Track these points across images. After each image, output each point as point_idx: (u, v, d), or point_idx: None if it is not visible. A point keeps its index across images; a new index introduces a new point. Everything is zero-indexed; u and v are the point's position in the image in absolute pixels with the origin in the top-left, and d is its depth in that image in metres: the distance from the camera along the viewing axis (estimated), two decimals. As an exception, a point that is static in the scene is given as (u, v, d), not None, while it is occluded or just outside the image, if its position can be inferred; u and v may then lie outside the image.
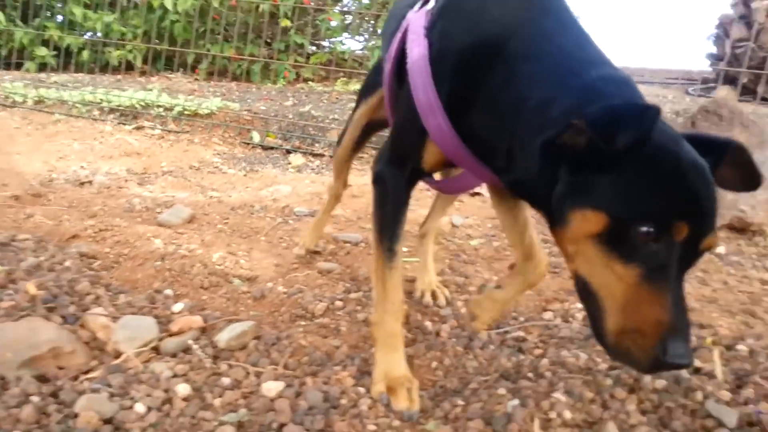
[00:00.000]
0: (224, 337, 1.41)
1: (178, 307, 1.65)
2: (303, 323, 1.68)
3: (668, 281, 0.90)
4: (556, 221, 1.00)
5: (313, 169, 4.28)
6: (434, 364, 1.44)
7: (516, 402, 1.23)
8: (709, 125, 3.13)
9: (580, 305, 1.79)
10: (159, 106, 4.77)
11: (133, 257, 2.03)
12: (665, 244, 0.89)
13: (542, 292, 2.05)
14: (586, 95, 1.00)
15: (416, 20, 1.29)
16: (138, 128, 4.65)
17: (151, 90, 5.37)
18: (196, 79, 6.69)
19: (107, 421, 1.15)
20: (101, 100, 4.92)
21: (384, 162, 1.34)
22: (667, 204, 0.90)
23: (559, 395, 1.25)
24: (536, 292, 2.06)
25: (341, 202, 2.40)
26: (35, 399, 1.17)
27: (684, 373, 1.40)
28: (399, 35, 1.36)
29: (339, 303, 1.79)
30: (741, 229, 2.95)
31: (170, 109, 4.76)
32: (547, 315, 1.81)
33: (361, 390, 1.29)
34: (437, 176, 1.58)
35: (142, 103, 4.86)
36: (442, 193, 1.91)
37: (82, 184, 3.31)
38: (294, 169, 4.27)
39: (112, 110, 4.95)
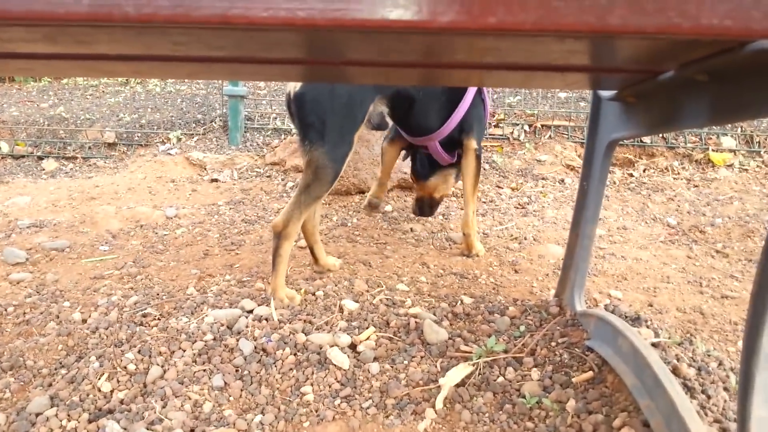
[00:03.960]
0: None
1: None
2: (-27, 330, 2.10)
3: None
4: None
5: (66, 173, 4.50)
6: (60, 346, 1.94)
7: (96, 364, 1.78)
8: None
9: (217, 281, 2.38)
10: None
11: None
12: None
13: (205, 269, 2.62)
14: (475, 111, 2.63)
15: None
16: None
17: None
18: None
19: None
20: None
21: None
22: None
23: (131, 354, 1.81)
24: (201, 269, 2.63)
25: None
26: None
27: (245, 321, 2.03)
28: None
29: (11, 309, 2.22)
30: (407, 187, 3.74)
31: None
32: (190, 290, 2.38)
33: (-16, 377, 1.77)
34: None
35: None
36: None
37: None
38: (47, 175, 4.46)
39: None
